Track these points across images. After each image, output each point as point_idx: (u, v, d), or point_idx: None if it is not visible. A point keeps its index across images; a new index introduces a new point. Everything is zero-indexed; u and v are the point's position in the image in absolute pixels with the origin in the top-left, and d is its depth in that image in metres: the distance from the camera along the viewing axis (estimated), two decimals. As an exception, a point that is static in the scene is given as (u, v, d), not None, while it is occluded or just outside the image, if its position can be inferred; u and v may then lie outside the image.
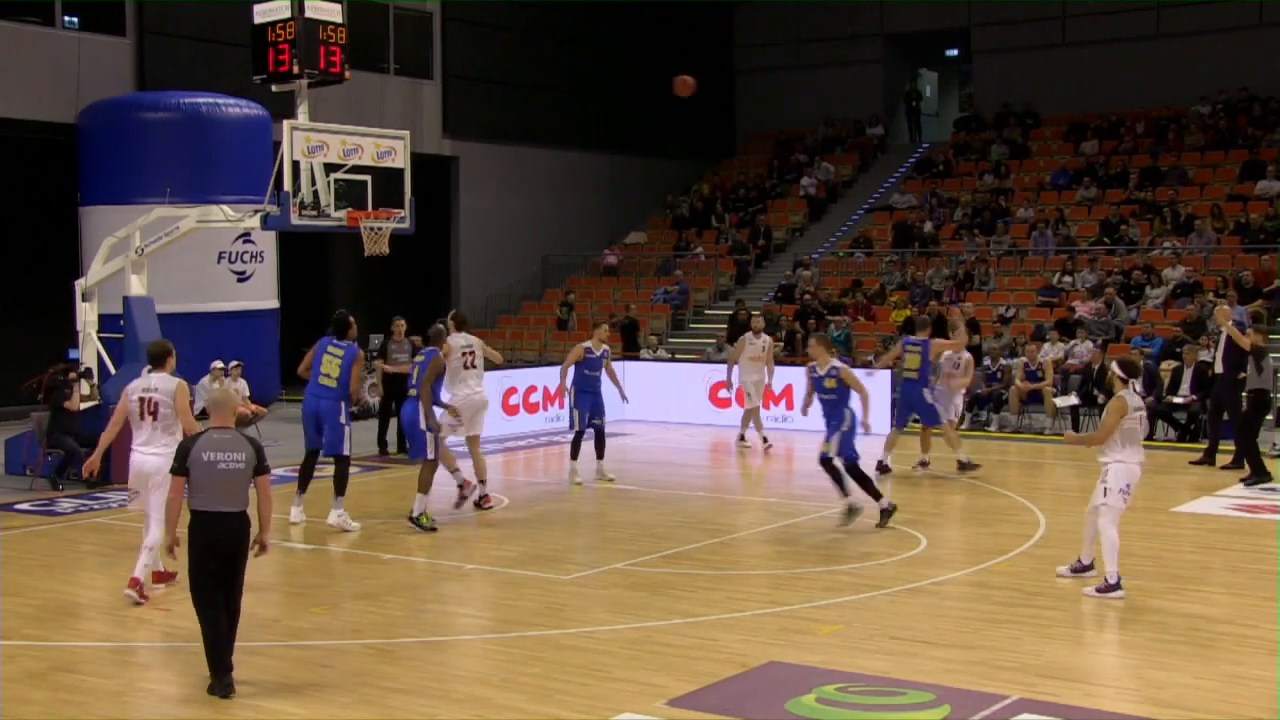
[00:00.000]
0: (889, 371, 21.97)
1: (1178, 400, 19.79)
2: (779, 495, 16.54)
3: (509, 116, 31.26)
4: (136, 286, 16.90)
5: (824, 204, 33.40)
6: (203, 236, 19.09)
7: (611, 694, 8.32)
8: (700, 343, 27.16)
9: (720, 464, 19.46)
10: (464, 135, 30.58)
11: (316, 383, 13.60)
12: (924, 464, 16.99)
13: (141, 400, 10.66)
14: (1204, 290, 24.26)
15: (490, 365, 15.49)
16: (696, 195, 34.38)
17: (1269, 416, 17.95)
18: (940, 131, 37.25)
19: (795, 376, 19.90)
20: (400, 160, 16.56)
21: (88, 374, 16.76)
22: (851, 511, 13.43)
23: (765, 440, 19.26)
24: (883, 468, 16.65)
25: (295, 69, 15.94)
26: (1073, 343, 22.40)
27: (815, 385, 13.69)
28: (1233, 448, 17.09)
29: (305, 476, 13.83)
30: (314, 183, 15.71)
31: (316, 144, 15.67)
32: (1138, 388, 10.90)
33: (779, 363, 20.62)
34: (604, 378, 16.59)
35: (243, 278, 23.15)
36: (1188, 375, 19.90)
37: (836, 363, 13.54)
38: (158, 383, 10.70)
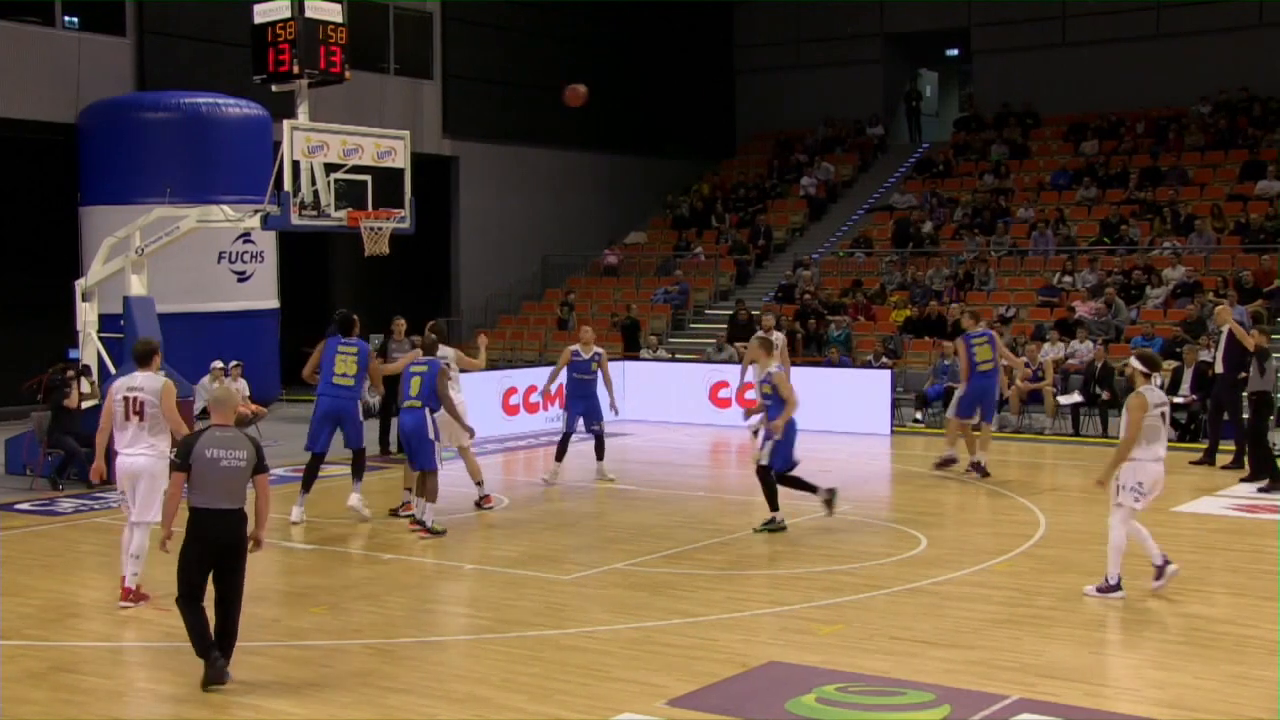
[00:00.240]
0: (889, 372, 22.02)
1: (1178, 400, 19.78)
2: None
3: (509, 116, 31.24)
4: (136, 286, 16.88)
5: (824, 204, 33.37)
6: (203, 236, 19.07)
7: (611, 694, 8.32)
8: (700, 343, 27.13)
9: (720, 464, 19.45)
10: (464, 135, 30.57)
11: (331, 383, 13.65)
12: (977, 464, 16.62)
13: (126, 400, 10.50)
14: (1204, 290, 24.25)
15: (463, 369, 15.47)
16: (696, 195, 34.34)
17: (1270, 417, 17.89)
18: (940, 131, 37.23)
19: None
20: (400, 160, 16.55)
21: (86, 371, 16.71)
22: (830, 500, 13.58)
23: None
24: (947, 462, 16.70)
25: (295, 69, 15.92)
26: (1073, 343, 22.42)
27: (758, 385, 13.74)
28: (1233, 448, 17.07)
29: (310, 478, 13.83)
30: (314, 183, 15.69)
31: (316, 144, 15.66)
32: (1159, 382, 10.78)
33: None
34: (599, 381, 16.53)
35: (243, 278, 23.15)
36: (1188, 375, 19.91)
37: (774, 368, 13.35)
38: (143, 381, 10.55)
